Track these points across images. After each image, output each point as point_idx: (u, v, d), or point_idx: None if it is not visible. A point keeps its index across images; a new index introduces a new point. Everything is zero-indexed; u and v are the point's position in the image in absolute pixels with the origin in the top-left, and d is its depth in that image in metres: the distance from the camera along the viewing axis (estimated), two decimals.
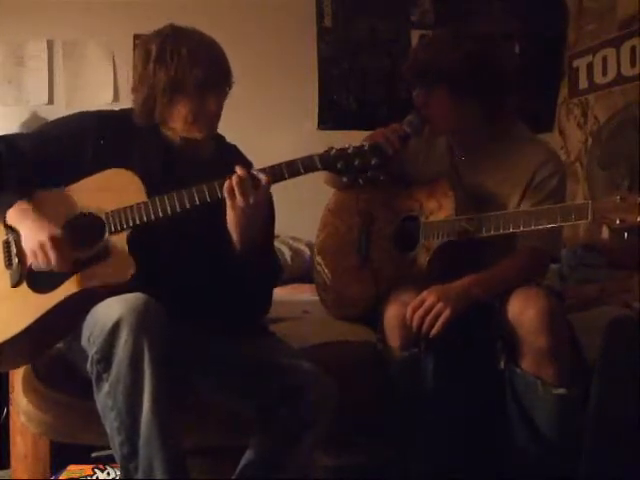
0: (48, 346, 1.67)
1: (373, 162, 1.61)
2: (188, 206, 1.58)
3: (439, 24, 3.51)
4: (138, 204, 1.58)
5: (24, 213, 1.59)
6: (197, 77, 1.63)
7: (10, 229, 1.63)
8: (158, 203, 1.58)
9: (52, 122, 1.78)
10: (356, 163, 1.61)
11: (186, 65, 1.62)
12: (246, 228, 1.60)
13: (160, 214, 1.58)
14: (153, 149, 1.70)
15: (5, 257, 1.63)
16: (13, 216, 1.60)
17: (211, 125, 1.71)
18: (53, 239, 1.53)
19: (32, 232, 1.56)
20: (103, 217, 1.60)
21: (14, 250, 1.62)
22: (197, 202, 1.58)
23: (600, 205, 1.61)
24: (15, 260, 1.61)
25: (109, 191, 1.62)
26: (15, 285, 1.60)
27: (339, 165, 1.61)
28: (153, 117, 1.69)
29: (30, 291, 1.58)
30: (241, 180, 1.56)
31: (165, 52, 1.64)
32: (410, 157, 2.00)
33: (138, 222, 1.58)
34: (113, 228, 1.59)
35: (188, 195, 1.58)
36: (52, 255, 1.53)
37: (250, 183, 1.57)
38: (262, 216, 1.61)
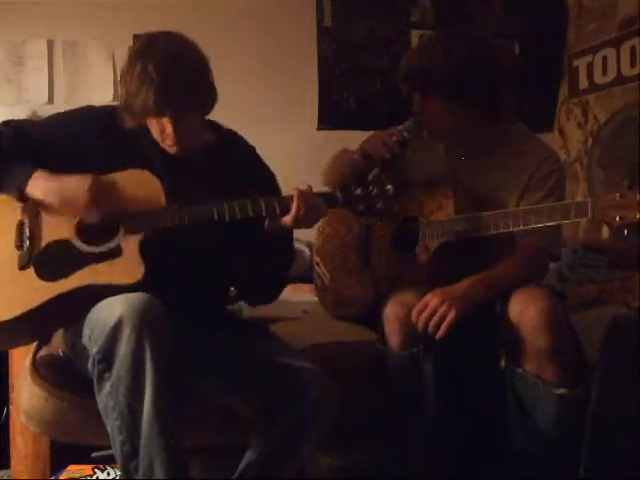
0: (46, 333, 1.68)
1: (395, 209, 1.65)
2: (207, 221, 1.59)
3: (439, 24, 3.50)
4: (157, 210, 1.59)
5: (46, 177, 1.58)
6: (139, 102, 1.56)
7: (28, 210, 1.62)
8: (177, 213, 1.58)
9: (60, 113, 1.78)
10: (378, 206, 1.63)
11: (135, 87, 1.56)
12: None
13: (177, 223, 1.58)
14: (147, 144, 1.69)
15: (17, 238, 1.63)
16: (35, 185, 1.58)
17: (177, 145, 1.65)
18: (97, 179, 1.56)
19: (71, 180, 1.57)
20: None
21: (27, 233, 1.62)
22: (216, 218, 1.59)
23: (600, 202, 1.61)
24: (26, 243, 1.61)
25: (128, 191, 1.62)
26: (22, 268, 1.60)
27: (361, 207, 1.64)
28: (125, 122, 1.66)
29: (36, 276, 1.58)
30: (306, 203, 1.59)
31: (126, 69, 1.59)
32: (409, 158, 2.00)
33: (154, 226, 1.58)
34: (128, 229, 1.59)
35: (208, 212, 1.58)
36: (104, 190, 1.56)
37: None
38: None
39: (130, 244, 1.58)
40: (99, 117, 1.72)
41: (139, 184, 1.62)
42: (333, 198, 1.63)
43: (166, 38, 1.62)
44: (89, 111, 1.76)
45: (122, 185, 1.62)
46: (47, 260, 1.59)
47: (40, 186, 1.58)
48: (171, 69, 1.56)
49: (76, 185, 1.57)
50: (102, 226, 1.60)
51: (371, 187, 1.63)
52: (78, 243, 1.60)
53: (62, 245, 1.60)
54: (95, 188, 1.56)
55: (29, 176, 1.58)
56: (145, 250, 1.57)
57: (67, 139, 1.66)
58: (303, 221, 1.61)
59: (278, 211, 1.60)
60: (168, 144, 1.65)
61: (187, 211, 1.59)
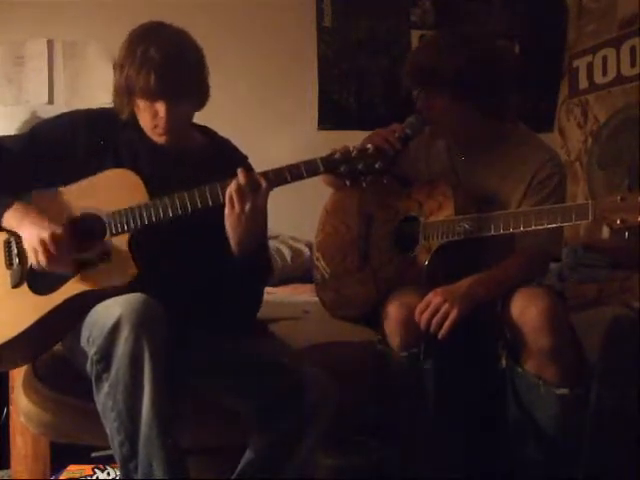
0: (47, 347, 1.67)
1: (377, 166, 1.61)
2: (190, 208, 1.58)
3: (439, 24, 3.51)
4: (139, 206, 1.58)
5: (21, 214, 1.58)
6: (141, 82, 1.57)
7: (9, 231, 1.63)
8: (160, 205, 1.58)
9: (42, 122, 1.77)
10: (360, 166, 1.61)
11: (136, 69, 1.57)
12: (243, 232, 1.59)
13: (162, 216, 1.58)
14: (140, 146, 1.69)
15: (6, 257, 1.62)
16: (10, 219, 1.59)
17: (167, 133, 1.64)
18: (54, 236, 1.52)
19: (32, 230, 1.55)
20: (104, 218, 1.60)
21: (15, 250, 1.62)
22: (199, 205, 1.58)
23: (601, 205, 1.61)
24: (16, 260, 1.61)
25: (110, 192, 1.61)
26: (15, 286, 1.60)
27: (342, 168, 1.61)
28: (122, 110, 1.66)
29: (30, 292, 1.58)
30: (239, 187, 1.56)
31: (125, 54, 1.61)
32: (410, 157, 2.00)
33: (139, 224, 1.58)
34: (114, 230, 1.58)
35: (190, 197, 1.58)
36: (53, 253, 1.52)
37: (249, 189, 1.56)
38: (260, 221, 1.61)
39: (119, 245, 1.57)
40: (83, 119, 1.72)
41: (120, 183, 1.61)
42: (314, 165, 1.61)
43: (165, 26, 1.65)
44: (73, 115, 1.75)
45: (103, 186, 1.62)
46: (39, 274, 1.58)
47: (13, 224, 1.59)
48: (173, 52, 1.58)
49: (32, 236, 1.54)
50: (87, 231, 1.60)
51: (351, 148, 1.62)
52: None
53: None
54: (49, 246, 1.53)
55: (5, 210, 1.59)
56: (135, 249, 1.57)
57: (52, 145, 1.66)
58: (245, 216, 1.56)
59: (222, 198, 1.57)
60: (158, 132, 1.65)
61: (159, 203, 1.57)
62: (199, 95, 1.67)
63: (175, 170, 1.68)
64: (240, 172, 1.57)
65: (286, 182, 1.60)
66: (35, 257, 1.54)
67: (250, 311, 1.77)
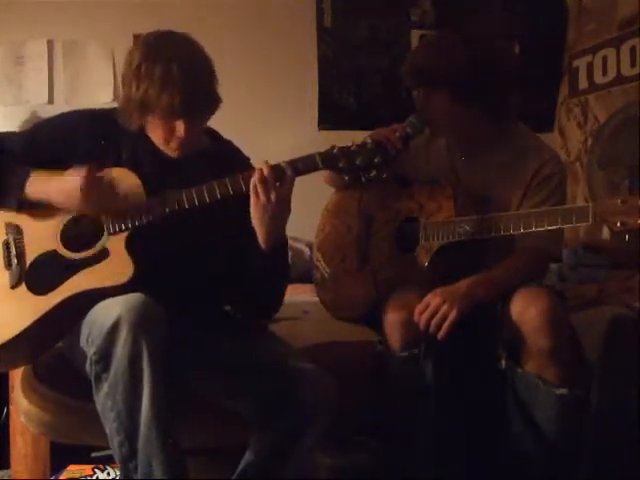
0: (46, 347, 1.67)
1: (376, 160, 1.59)
2: (187, 206, 1.57)
3: (439, 24, 3.51)
4: (133, 206, 1.58)
5: (43, 180, 1.58)
6: (164, 103, 1.55)
7: (10, 228, 1.63)
8: (149, 206, 1.57)
9: (44, 121, 1.77)
10: (358, 162, 1.59)
11: (156, 88, 1.54)
12: (270, 225, 1.59)
13: (159, 214, 1.57)
14: (143, 146, 1.68)
15: (4, 258, 1.62)
16: (35, 189, 1.59)
17: (183, 148, 1.64)
18: (90, 172, 1.54)
19: (65, 181, 1.56)
20: (102, 217, 1.60)
21: (13, 251, 1.61)
22: (196, 202, 1.58)
23: (601, 208, 1.61)
24: (14, 261, 1.61)
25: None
26: (14, 286, 1.60)
27: (341, 164, 1.60)
28: (132, 122, 1.65)
29: (29, 292, 1.58)
30: (263, 177, 1.55)
31: (141, 68, 1.56)
32: (410, 157, 2.00)
33: (137, 223, 1.57)
34: (112, 229, 1.58)
35: (187, 195, 1.57)
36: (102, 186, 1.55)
37: (273, 179, 1.56)
38: (286, 211, 1.60)
39: (116, 244, 1.57)
40: (85, 119, 1.71)
41: (120, 182, 1.60)
42: (312, 161, 1.60)
43: (179, 39, 1.62)
44: (74, 114, 1.74)
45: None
46: (37, 274, 1.58)
47: (40, 190, 1.59)
48: (194, 71, 1.57)
49: (73, 184, 1.55)
50: (86, 231, 1.60)
51: (350, 143, 1.60)
52: (65, 252, 1.59)
53: (50, 257, 1.60)
54: (87, 186, 1.54)
55: (25, 180, 1.59)
56: (133, 248, 1.56)
57: (54, 145, 1.65)
58: (271, 206, 1.56)
59: (244, 188, 1.57)
60: (173, 147, 1.64)
61: (161, 201, 1.58)
62: (216, 106, 1.65)
63: (177, 171, 1.67)
64: (264, 164, 1.56)
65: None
66: (86, 196, 1.54)
67: (272, 309, 1.78)
